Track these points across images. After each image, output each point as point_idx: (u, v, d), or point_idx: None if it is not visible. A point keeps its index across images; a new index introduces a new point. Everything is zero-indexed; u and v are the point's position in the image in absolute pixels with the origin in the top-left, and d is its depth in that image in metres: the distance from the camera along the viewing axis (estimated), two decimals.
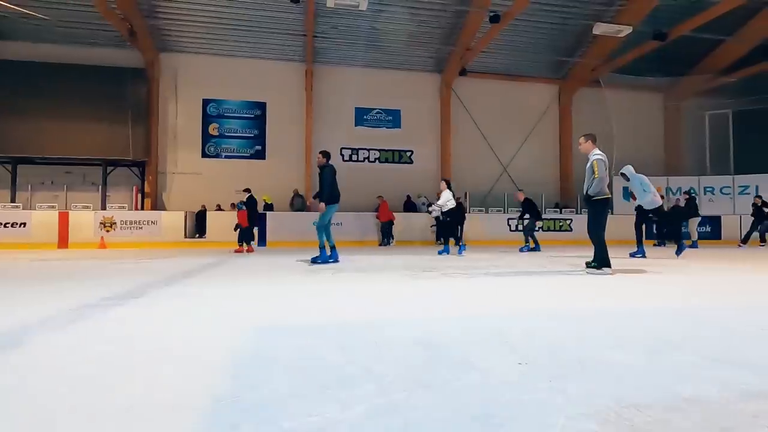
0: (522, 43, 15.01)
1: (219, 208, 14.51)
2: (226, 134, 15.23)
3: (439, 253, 8.47)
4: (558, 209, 15.76)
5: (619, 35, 13.13)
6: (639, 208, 8.08)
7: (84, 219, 12.68)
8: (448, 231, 8.90)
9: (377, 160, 15.82)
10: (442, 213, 8.37)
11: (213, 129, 15.18)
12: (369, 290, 3.67)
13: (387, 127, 15.89)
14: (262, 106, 15.37)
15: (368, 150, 15.79)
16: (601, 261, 4.85)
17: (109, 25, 12.93)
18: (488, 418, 1.14)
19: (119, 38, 13.63)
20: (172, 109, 14.98)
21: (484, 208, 15.08)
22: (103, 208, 13.59)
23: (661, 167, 17.15)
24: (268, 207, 13.91)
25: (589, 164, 5.01)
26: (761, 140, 15.86)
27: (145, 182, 14.84)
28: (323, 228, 6.25)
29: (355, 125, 15.72)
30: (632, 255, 7.70)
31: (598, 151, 5.04)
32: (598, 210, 5.00)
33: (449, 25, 14.18)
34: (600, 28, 12.68)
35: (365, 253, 9.12)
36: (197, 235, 13.91)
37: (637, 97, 17.00)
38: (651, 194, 7.51)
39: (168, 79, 14.90)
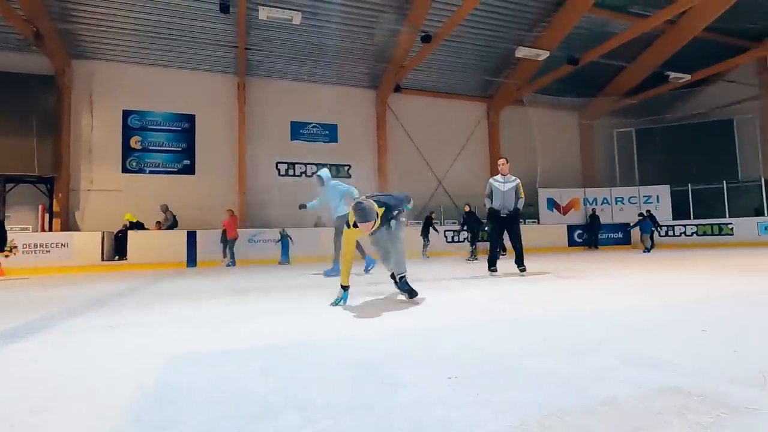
0: (453, 63, 15.72)
1: (141, 227, 13.49)
2: (151, 148, 14.25)
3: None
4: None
5: (538, 58, 14.24)
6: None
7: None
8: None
9: (314, 175, 15.55)
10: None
11: (135, 142, 14.13)
12: (289, 310, 3.45)
13: (324, 141, 15.79)
14: (190, 118, 14.61)
15: (305, 164, 15.56)
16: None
17: (11, 27, 11.67)
18: None
19: (24, 42, 12.34)
20: (87, 121, 13.75)
21: (421, 221, 15.41)
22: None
23: (579, 179, 18.67)
24: (136, 226, 12.77)
25: (514, 185, 6.07)
26: (659, 155, 17.92)
27: (54, 200, 13.38)
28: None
29: (291, 139, 15.44)
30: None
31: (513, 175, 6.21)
32: (519, 221, 6.18)
33: (383, 43, 14.53)
34: (522, 52, 13.67)
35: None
36: (117, 258, 12.85)
37: (556, 115, 18.44)
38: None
39: (82, 87, 13.69)
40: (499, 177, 6.22)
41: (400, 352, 1.99)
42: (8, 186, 13.12)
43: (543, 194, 17.34)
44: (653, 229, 13.71)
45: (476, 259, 10.93)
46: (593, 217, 16.61)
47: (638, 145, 18.64)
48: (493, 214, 6.18)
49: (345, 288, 3.47)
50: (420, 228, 13.64)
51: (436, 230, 13.72)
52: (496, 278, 5.57)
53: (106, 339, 2.54)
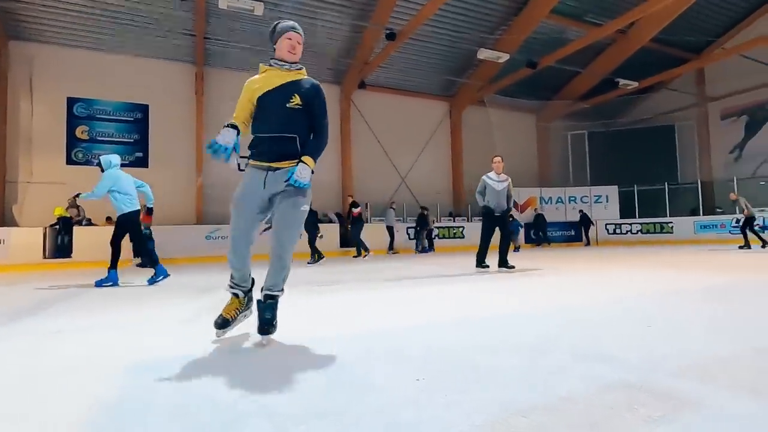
0: (417, 61, 15.84)
1: (89, 222, 12.69)
2: (99, 138, 13.40)
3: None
4: (452, 217, 16.87)
5: (499, 60, 14.62)
6: None
7: None
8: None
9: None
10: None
11: (81, 132, 13.24)
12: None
13: None
14: (143, 108, 13.86)
15: None
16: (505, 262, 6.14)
17: None
18: None
19: None
20: (25, 108, 12.72)
21: (384, 218, 15.46)
22: None
23: (535, 179, 19.37)
24: (66, 221, 11.47)
25: (507, 183, 6.21)
26: (609, 157, 18.95)
27: None
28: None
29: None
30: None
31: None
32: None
33: (347, 39, 14.41)
34: (483, 54, 13.99)
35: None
36: (59, 255, 12.01)
37: (515, 116, 19.00)
38: None
39: (20, 72, 12.63)
40: (492, 174, 6.23)
41: (369, 355, 1.98)
42: None
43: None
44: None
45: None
46: (538, 216, 17.26)
47: (590, 147, 19.61)
48: (488, 212, 6.21)
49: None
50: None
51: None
52: (462, 277, 5.56)
53: (55, 345, 2.36)
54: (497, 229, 6.26)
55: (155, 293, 4.74)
